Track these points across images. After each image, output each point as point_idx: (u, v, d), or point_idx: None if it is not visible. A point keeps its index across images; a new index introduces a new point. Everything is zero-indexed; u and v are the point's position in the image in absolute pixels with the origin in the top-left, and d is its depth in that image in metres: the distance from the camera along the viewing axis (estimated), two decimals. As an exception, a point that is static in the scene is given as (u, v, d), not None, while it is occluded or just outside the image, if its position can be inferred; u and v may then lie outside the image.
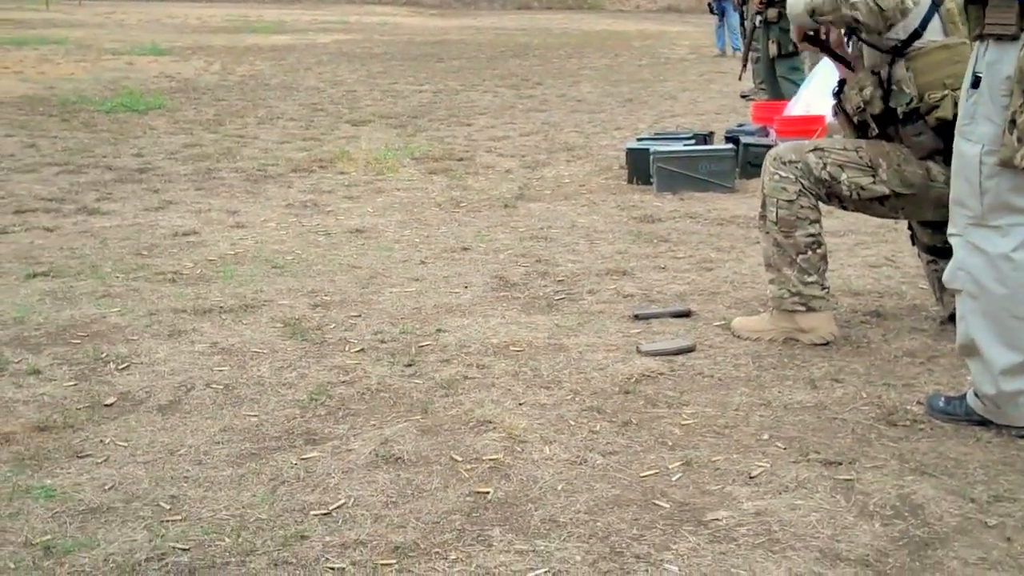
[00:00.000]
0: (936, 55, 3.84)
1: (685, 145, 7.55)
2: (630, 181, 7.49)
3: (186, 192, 7.35)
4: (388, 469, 3.12)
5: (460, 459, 3.17)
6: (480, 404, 3.58)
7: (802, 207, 4.03)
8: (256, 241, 5.94)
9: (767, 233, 4.11)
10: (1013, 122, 2.99)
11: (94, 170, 8.16)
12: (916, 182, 3.94)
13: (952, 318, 4.23)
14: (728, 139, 7.98)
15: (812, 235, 4.05)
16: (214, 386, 3.79)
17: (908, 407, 3.49)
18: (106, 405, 3.66)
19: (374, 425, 3.44)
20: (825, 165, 4.00)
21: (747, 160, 7.50)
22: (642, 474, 3.07)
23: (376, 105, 12.30)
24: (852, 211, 4.17)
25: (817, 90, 8.33)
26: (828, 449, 3.20)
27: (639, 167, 7.43)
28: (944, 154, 3.88)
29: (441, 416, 3.50)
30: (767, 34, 9.81)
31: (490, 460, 3.16)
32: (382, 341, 4.25)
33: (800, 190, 4.01)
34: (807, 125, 7.76)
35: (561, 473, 3.07)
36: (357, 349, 4.16)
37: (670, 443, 3.27)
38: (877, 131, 4.00)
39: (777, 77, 9.91)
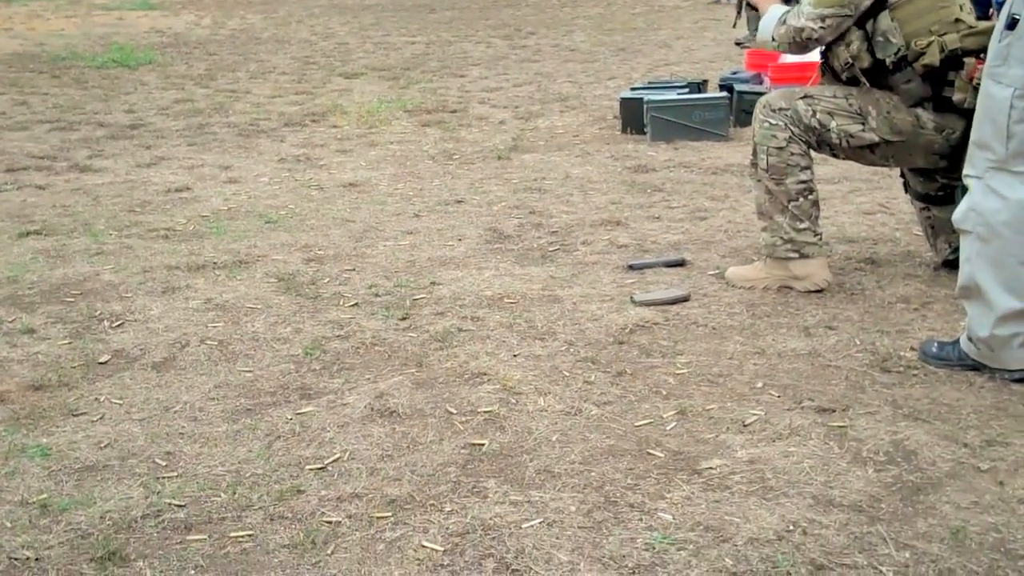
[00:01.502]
0: (920, 2, 3.82)
1: (679, 94, 7.50)
2: (624, 131, 7.46)
3: (178, 148, 7.32)
4: (383, 423, 3.13)
5: (455, 411, 3.18)
6: (475, 356, 3.58)
7: (792, 154, 4.01)
8: (249, 196, 5.92)
9: (758, 181, 4.10)
10: None
11: (85, 127, 8.12)
12: (905, 129, 3.92)
13: (947, 264, 4.24)
14: (722, 87, 7.93)
15: (803, 182, 4.04)
16: (208, 342, 3.79)
17: (902, 353, 3.49)
18: (100, 363, 3.66)
19: (369, 379, 3.44)
20: (815, 112, 3.98)
21: (741, 108, 7.46)
22: (636, 424, 3.07)
23: (368, 57, 12.23)
24: (843, 159, 4.15)
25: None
26: (822, 396, 3.20)
27: (633, 117, 7.39)
28: (933, 101, 3.86)
29: (436, 369, 3.51)
30: (761, -20, 9.74)
31: (485, 412, 3.17)
32: (376, 295, 4.25)
33: (790, 137, 3.99)
34: (802, 72, 7.69)
35: (556, 424, 3.08)
36: (351, 303, 4.16)
37: (664, 392, 3.28)
38: (868, 85, 3.98)
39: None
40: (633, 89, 7.96)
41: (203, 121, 8.29)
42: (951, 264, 4.24)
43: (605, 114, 8.23)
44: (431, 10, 18.32)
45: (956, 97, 3.75)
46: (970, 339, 3.29)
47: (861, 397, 3.20)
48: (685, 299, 4.07)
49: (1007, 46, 3.04)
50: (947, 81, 3.80)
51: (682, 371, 3.43)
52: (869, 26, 3.88)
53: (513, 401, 3.24)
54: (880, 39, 3.86)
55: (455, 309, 4.06)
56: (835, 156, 4.10)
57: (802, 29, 3.94)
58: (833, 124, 3.97)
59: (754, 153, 4.09)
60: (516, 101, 9.06)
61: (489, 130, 7.77)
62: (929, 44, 3.77)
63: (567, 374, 3.43)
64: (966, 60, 3.72)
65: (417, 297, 4.21)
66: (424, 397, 3.29)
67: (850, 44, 3.93)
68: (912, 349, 3.52)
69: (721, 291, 4.18)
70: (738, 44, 13.99)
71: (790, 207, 4.04)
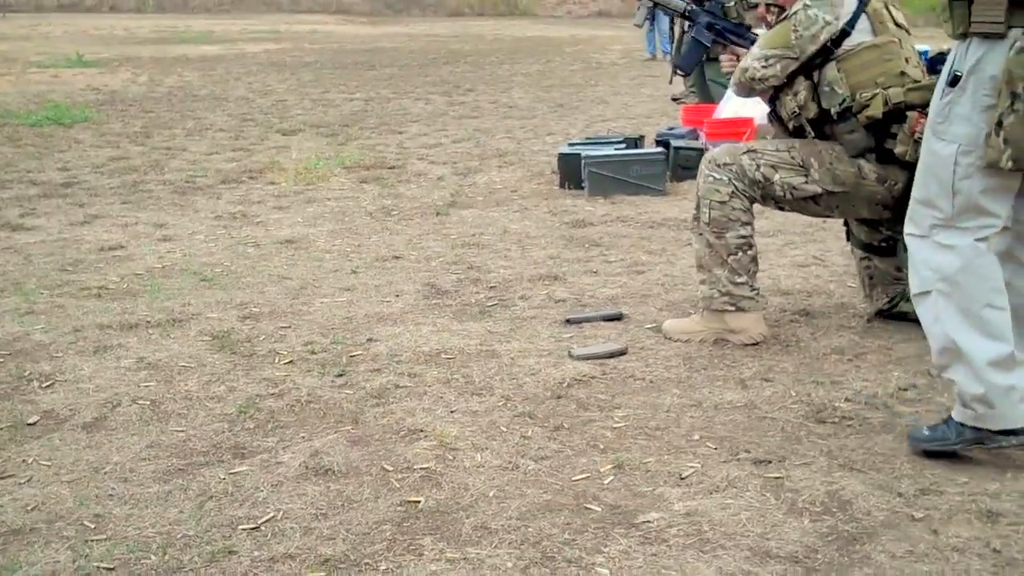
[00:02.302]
0: (866, 55, 3.91)
1: (616, 149, 7.58)
2: (562, 186, 7.51)
3: (112, 206, 7.25)
4: (318, 481, 3.10)
5: (391, 469, 3.16)
6: (411, 413, 3.57)
7: (734, 208, 4.06)
8: (184, 254, 5.87)
9: (700, 234, 4.14)
10: (1000, 123, 2.86)
11: (18, 185, 8.03)
12: (848, 180, 3.99)
13: (880, 314, 4.30)
14: (659, 142, 8.02)
15: (743, 236, 4.09)
16: (140, 402, 3.74)
17: (837, 404, 3.53)
18: (29, 424, 3.59)
19: (304, 437, 3.41)
20: (759, 166, 4.04)
21: (678, 163, 7.55)
22: (574, 478, 3.07)
23: (307, 114, 12.23)
24: (788, 211, 4.21)
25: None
26: (758, 448, 3.22)
27: (571, 172, 7.45)
28: (876, 152, 3.94)
29: (372, 426, 3.48)
30: (696, 38, 9.88)
31: (421, 469, 3.15)
32: (312, 352, 4.22)
33: (733, 191, 4.05)
34: (736, 127, 7.83)
35: (493, 480, 3.07)
36: (287, 361, 4.13)
37: (602, 446, 3.28)
38: (813, 134, 4.05)
39: (706, 80, 9.98)
40: (571, 145, 8.03)
41: (138, 179, 8.23)
42: (885, 314, 4.31)
43: (543, 169, 8.29)
44: (370, 67, 18.39)
45: (898, 150, 3.82)
46: (964, 405, 3.09)
47: (797, 448, 3.22)
48: (623, 353, 4.08)
49: (949, 103, 3.00)
50: (890, 133, 3.88)
51: (619, 425, 3.44)
52: (816, 76, 3.96)
53: (450, 457, 3.22)
54: (826, 89, 3.94)
55: (392, 365, 4.04)
56: (780, 209, 4.16)
57: (746, 69, 4.05)
58: (776, 177, 4.03)
59: (697, 207, 4.14)
60: (455, 157, 9.10)
61: (428, 186, 7.79)
62: (873, 96, 3.85)
63: (504, 429, 3.42)
64: (909, 114, 3.80)
65: (354, 354, 4.19)
66: (360, 455, 3.26)
67: (797, 93, 4.01)
68: (847, 400, 3.56)
69: (658, 344, 4.20)
70: (674, 100, 14.21)
71: (729, 260, 4.09)
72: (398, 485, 3.06)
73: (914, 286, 3.14)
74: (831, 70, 3.93)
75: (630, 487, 3.01)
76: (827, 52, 3.95)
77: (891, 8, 4.06)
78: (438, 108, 12.74)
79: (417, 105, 13.06)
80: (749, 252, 4.11)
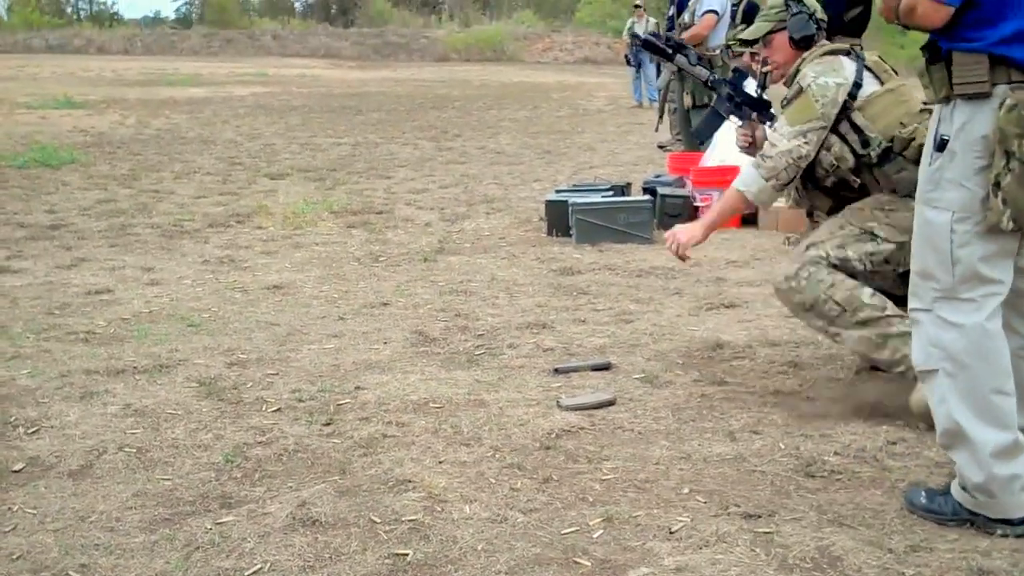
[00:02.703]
0: (883, 99, 3.97)
1: (603, 197, 7.61)
2: (549, 233, 7.53)
3: (99, 249, 7.24)
4: (305, 532, 3.08)
5: (379, 520, 3.14)
6: (399, 463, 3.55)
7: (845, 279, 3.93)
8: (171, 299, 5.86)
9: (844, 331, 3.92)
10: (997, 184, 2.77)
11: (4, 227, 8.01)
12: (910, 224, 3.92)
13: (871, 368, 4.29)
14: (646, 190, 8.06)
15: (873, 294, 3.93)
16: (127, 449, 3.72)
17: (826, 458, 3.52)
18: (14, 471, 3.56)
19: (291, 487, 3.39)
20: (827, 254, 3.95)
21: (664, 211, 7.58)
22: (563, 531, 3.05)
23: (294, 158, 12.26)
24: (879, 283, 4.03)
25: (731, 141, 8.45)
26: (747, 502, 3.21)
27: (558, 219, 7.48)
28: None
29: (360, 476, 3.46)
30: (682, 86, 9.95)
31: (409, 521, 3.13)
32: (300, 400, 4.20)
33: (829, 269, 3.93)
34: (723, 175, 7.86)
35: (481, 532, 3.05)
36: (274, 409, 4.11)
37: (591, 499, 3.27)
38: (858, 182, 4.02)
39: (692, 129, 10.04)
40: (558, 192, 8.06)
41: (125, 222, 8.22)
42: (874, 366, 4.31)
43: (531, 216, 8.31)
44: (358, 111, 18.47)
45: None
46: (964, 489, 3.02)
47: (787, 503, 3.21)
48: (611, 403, 4.08)
49: (938, 169, 2.90)
50: None
51: (608, 477, 3.43)
52: (843, 127, 3.98)
53: (438, 509, 3.20)
54: (857, 136, 3.95)
55: (380, 414, 4.03)
56: (875, 286, 4.00)
57: (790, 151, 3.96)
58: (850, 253, 3.94)
59: (823, 318, 3.93)
60: (442, 203, 9.12)
61: (415, 232, 7.80)
62: (915, 129, 3.87)
63: (493, 480, 3.40)
64: None
65: (341, 402, 4.17)
66: (347, 505, 3.24)
67: (831, 147, 4.00)
68: (836, 453, 3.55)
69: (646, 395, 4.19)
70: (660, 147, 14.27)
71: (889, 317, 3.89)
72: (386, 537, 3.04)
73: (919, 361, 3.04)
74: (858, 117, 3.96)
75: (619, 541, 2.99)
76: (846, 107, 3.97)
77: (886, 60, 4.11)
78: (426, 153, 12.79)
79: (405, 150, 13.10)
80: (879, 297, 3.93)
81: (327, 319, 5.42)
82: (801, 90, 4.01)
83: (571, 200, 7.40)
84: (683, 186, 8.14)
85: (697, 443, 3.69)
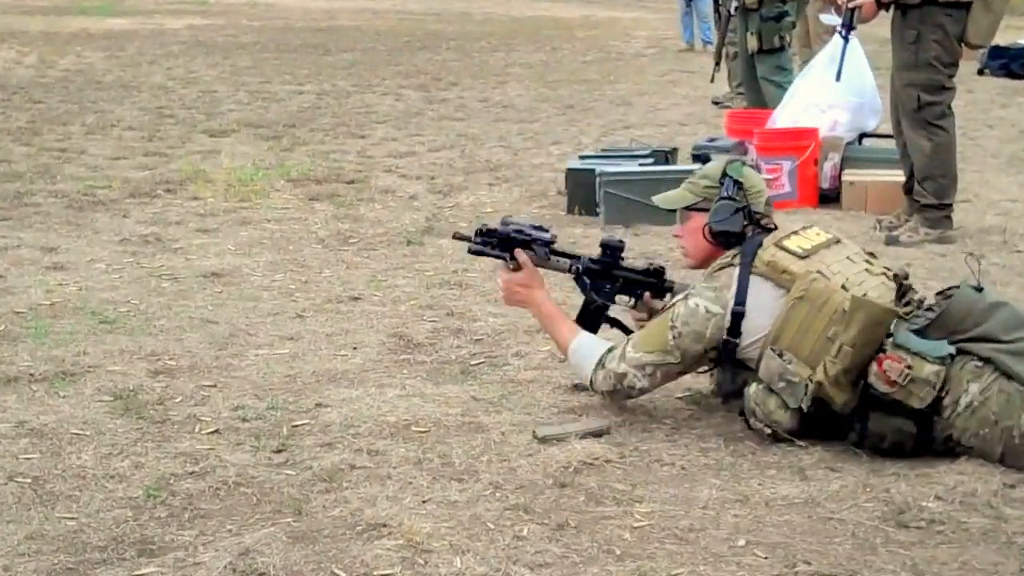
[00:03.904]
0: (796, 315, 3.93)
1: (641, 165, 7.61)
2: (570, 211, 7.53)
3: (-12, 223, 7.26)
4: (248, 589, 3.09)
5: (344, 574, 3.15)
6: (371, 502, 3.56)
7: None
8: (80, 288, 5.87)
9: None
10: None
11: None
12: None
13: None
14: (696, 157, 8.05)
15: None
16: (19, 480, 3.73)
17: (924, 503, 3.52)
18: None
19: (230, 530, 3.40)
20: None
21: (720, 184, 7.58)
22: (581, 593, 3.06)
23: (242, 111, 12.27)
24: None
25: (808, 96, 8.46)
26: (821, 559, 3.21)
27: (582, 193, 7.47)
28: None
29: (320, 518, 3.47)
30: (746, 23, 9.95)
31: (383, 576, 3.14)
32: (244, 419, 4.21)
33: None
34: (795, 140, 7.87)
35: (476, 592, 3.06)
36: (211, 430, 4.12)
37: (618, 552, 3.27)
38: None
39: (758, 78, 10.04)
40: (583, 158, 8.06)
41: (22, 189, 8.24)
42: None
43: (546, 189, 8.31)
44: (325, 51, 18.49)
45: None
46: None
47: (872, 560, 3.21)
48: (601, 433, 4.06)
49: None
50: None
51: (642, 523, 3.43)
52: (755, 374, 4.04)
53: (421, 561, 3.21)
54: (782, 384, 3.93)
55: (347, 439, 4.03)
56: None
57: (624, 375, 4.13)
58: None
59: None
60: (432, 170, 9.12)
61: (397, 207, 7.81)
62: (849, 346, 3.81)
63: (492, 526, 3.41)
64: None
65: (297, 423, 4.18)
66: (303, 555, 3.25)
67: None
68: (937, 498, 3.55)
69: (691, 418, 4.20)
70: (716, 103, 14.36)
71: None
72: (353, 596, 3.05)
73: None
74: (770, 360, 3.95)
75: (655, 606, 3.00)
76: (729, 346, 4.04)
77: (795, 235, 4.12)
78: (412, 106, 12.80)
79: (385, 102, 13.11)
80: None
81: (281, 317, 5.43)
82: (664, 309, 4.19)
83: (599, 169, 7.40)
84: (744, 153, 8.12)
85: (757, 482, 3.69)
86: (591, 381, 4.22)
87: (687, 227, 4.34)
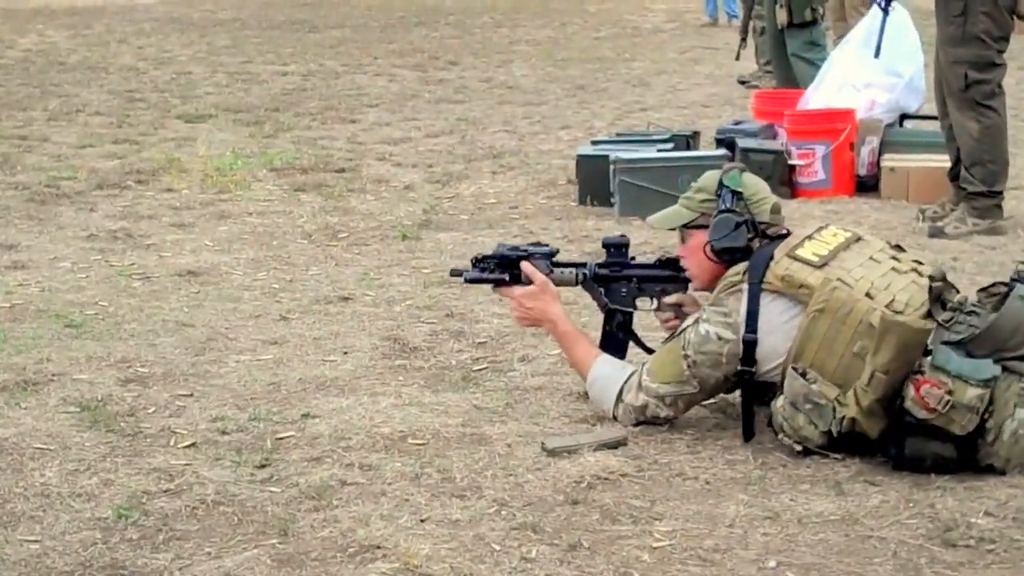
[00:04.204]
0: (817, 328, 3.92)
1: (660, 151, 7.60)
2: (582, 201, 7.52)
3: (-59, 218, 7.27)
4: (229, 617, 3.09)
5: (334, 601, 3.15)
6: (364, 522, 3.55)
7: None
8: (43, 288, 5.88)
9: None
10: None
11: None
12: None
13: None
14: (720, 142, 8.05)
15: None
16: (-23, 499, 3.74)
17: (972, 520, 3.51)
18: None
19: (209, 553, 3.40)
20: None
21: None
22: (596, 620, 3.06)
23: (220, 94, 12.28)
24: None
25: (843, 74, 8.44)
26: (860, 581, 3.21)
27: (595, 182, 7.46)
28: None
29: (308, 540, 3.47)
30: (774, -6, 9.94)
31: (378, 602, 3.14)
32: (223, 432, 4.22)
33: None
34: (829, 123, 7.85)
35: (480, 620, 3.07)
36: (187, 444, 4.12)
37: (636, 575, 3.27)
38: None
39: (788, 55, 10.03)
40: (595, 144, 8.06)
41: (-21, 180, 8.25)
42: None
43: (555, 177, 8.31)
44: (311, 28, 18.49)
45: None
46: None
47: (916, 582, 3.21)
48: (615, 445, 4.06)
49: None
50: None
51: (662, 543, 3.43)
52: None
53: (419, 586, 3.21)
54: (808, 407, 3.91)
55: (337, 453, 4.03)
56: None
57: (644, 406, 4.17)
58: None
59: None
60: (429, 158, 9.12)
61: (391, 198, 7.81)
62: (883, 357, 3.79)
63: (497, 547, 3.41)
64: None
65: (282, 435, 4.18)
66: (290, 580, 3.25)
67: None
68: (988, 514, 3.55)
69: (716, 428, 4.20)
70: (742, 83, 14.37)
71: None
72: (344, 625, 3.05)
73: None
74: (793, 380, 3.94)
75: (676, 634, 3.00)
76: (745, 376, 4.06)
77: (810, 241, 4.09)
78: (407, 87, 12.80)
79: (377, 83, 13.11)
80: None
81: (263, 319, 5.43)
82: (674, 335, 4.20)
83: (614, 155, 7.39)
84: (773, 136, 8.13)
85: (789, 497, 3.69)
86: (614, 416, 4.24)
87: (688, 247, 4.33)
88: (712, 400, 4.39)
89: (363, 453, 4.03)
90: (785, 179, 7.60)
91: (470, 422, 4.28)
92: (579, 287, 4.55)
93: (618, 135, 8.51)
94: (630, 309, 4.48)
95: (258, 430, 4.23)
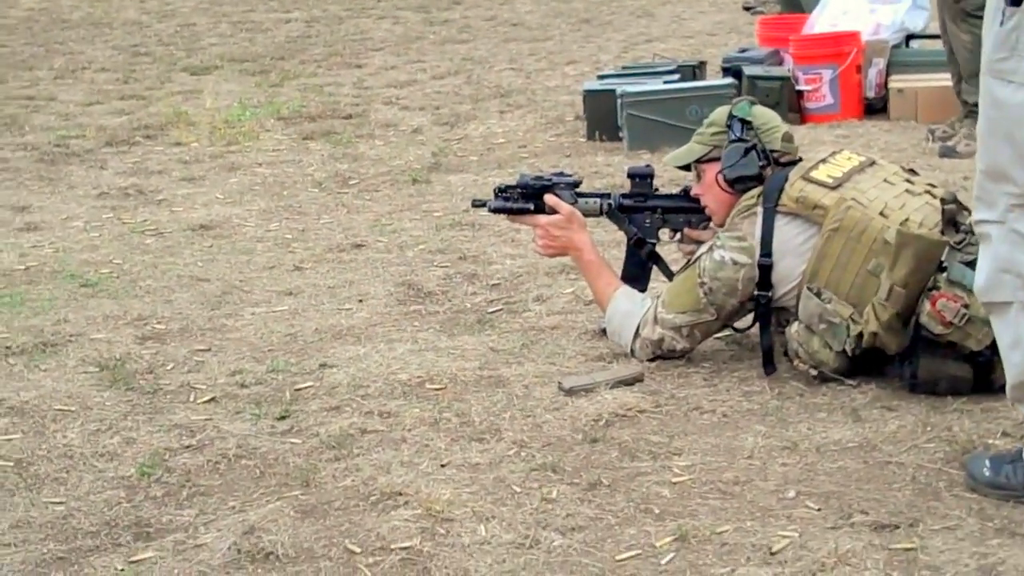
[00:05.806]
0: (832, 247, 3.93)
1: (667, 82, 7.58)
2: (590, 137, 7.51)
3: (-48, 182, 7.28)
4: (256, 570, 3.11)
5: (359, 550, 3.17)
6: (385, 469, 3.57)
7: None
8: (56, 249, 5.88)
9: None
10: None
11: None
12: None
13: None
14: (727, 71, 8.02)
15: None
16: (1, 462, 3.75)
17: (991, 441, 3.52)
18: None
19: (233, 507, 3.42)
20: None
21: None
22: (618, 557, 3.08)
23: (225, 44, 12.25)
24: None
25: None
26: (880, 507, 3.22)
27: (603, 117, 7.45)
28: None
29: (329, 489, 3.49)
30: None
31: (401, 549, 3.15)
32: (242, 385, 4.23)
33: None
34: (836, 47, 7.81)
35: (503, 562, 3.08)
36: (207, 399, 4.14)
37: (657, 510, 3.28)
38: None
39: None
40: (602, 78, 8.03)
41: (-12, 142, 8.25)
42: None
43: (563, 114, 8.29)
44: (313, -27, 18.40)
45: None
46: None
47: (935, 507, 3.22)
48: (632, 381, 4.07)
49: (1015, 29, 2.93)
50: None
51: (681, 478, 3.44)
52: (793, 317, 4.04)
53: (442, 531, 3.22)
54: (823, 326, 3.92)
55: (355, 402, 4.05)
56: None
57: (661, 339, 4.20)
58: None
59: None
60: (436, 100, 9.10)
61: (399, 143, 7.79)
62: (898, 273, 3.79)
63: (518, 489, 3.42)
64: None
65: (301, 386, 4.20)
66: (313, 531, 3.27)
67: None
68: (1005, 434, 3.55)
69: (732, 359, 4.20)
70: (747, 9, 14.32)
71: None
72: (370, 573, 3.07)
73: (984, 289, 3.15)
74: (807, 300, 3.95)
75: (698, 568, 3.01)
76: (763, 301, 4.07)
77: (824, 164, 4.09)
78: (411, 29, 12.75)
79: (381, 26, 13.06)
80: None
81: (277, 270, 5.44)
82: (689, 264, 4.21)
83: (620, 89, 7.37)
84: (779, 63, 8.09)
85: (806, 427, 3.70)
86: (632, 351, 4.27)
87: (704, 183, 4.34)
88: (726, 331, 4.40)
89: (382, 400, 4.05)
90: (793, 105, 7.60)
91: (487, 365, 4.29)
92: (603, 216, 4.56)
93: (624, 68, 8.48)
94: (653, 240, 4.49)
95: (277, 382, 4.25)
